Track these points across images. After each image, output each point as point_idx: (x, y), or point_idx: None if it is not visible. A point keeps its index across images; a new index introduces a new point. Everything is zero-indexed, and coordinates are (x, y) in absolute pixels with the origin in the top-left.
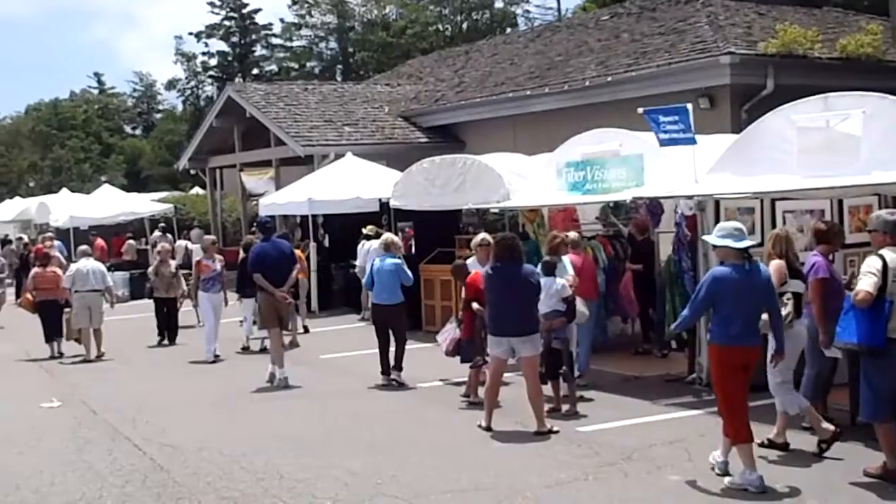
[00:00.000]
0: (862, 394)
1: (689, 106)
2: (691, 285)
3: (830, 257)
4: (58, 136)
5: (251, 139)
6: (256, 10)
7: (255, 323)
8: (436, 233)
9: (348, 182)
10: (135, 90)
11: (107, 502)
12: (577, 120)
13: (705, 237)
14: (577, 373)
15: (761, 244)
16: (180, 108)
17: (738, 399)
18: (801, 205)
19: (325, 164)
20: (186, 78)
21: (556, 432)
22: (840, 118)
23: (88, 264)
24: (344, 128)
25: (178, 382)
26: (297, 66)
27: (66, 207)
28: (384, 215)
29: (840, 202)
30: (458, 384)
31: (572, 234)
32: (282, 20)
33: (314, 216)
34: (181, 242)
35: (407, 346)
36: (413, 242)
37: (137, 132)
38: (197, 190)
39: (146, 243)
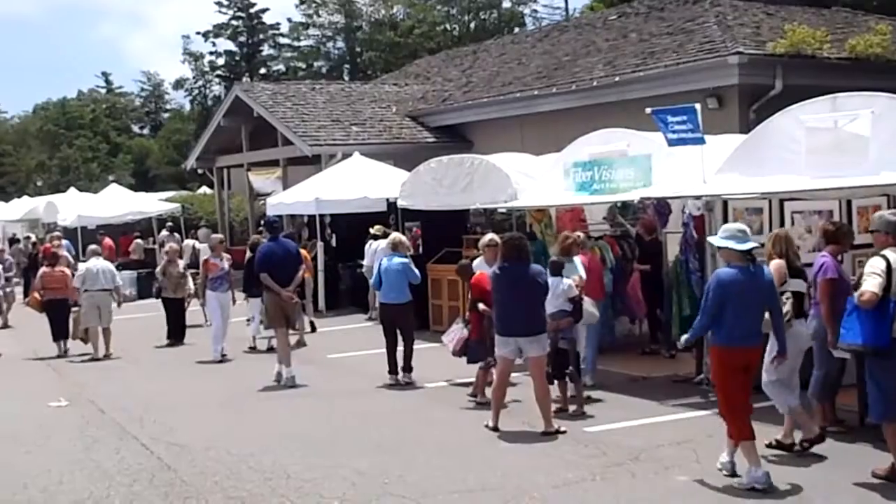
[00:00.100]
0: (870, 395)
1: (698, 106)
2: (699, 286)
3: (839, 258)
4: (66, 135)
5: (258, 139)
6: (264, 10)
7: (261, 322)
8: (443, 233)
9: (356, 182)
10: (142, 90)
11: (114, 501)
12: (584, 120)
13: (710, 238)
14: (585, 374)
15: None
16: (188, 107)
17: (739, 399)
18: (809, 205)
19: (332, 164)
20: (194, 77)
21: (564, 432)
22: (849, 118)
23: (98, 263)
24: (351, 127)
25: (185, 382)
26: (304, 66)
27: (73, 207)
28: (391, 215)
29: (849, 203)
30: (465, 384)
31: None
32: (289, 20)
33: (321, 216)
34: (188, 242)
35: (414, 346)
36: (421, 242)
37: (145, 132)
38: (204, 189)
39: (154, 242)
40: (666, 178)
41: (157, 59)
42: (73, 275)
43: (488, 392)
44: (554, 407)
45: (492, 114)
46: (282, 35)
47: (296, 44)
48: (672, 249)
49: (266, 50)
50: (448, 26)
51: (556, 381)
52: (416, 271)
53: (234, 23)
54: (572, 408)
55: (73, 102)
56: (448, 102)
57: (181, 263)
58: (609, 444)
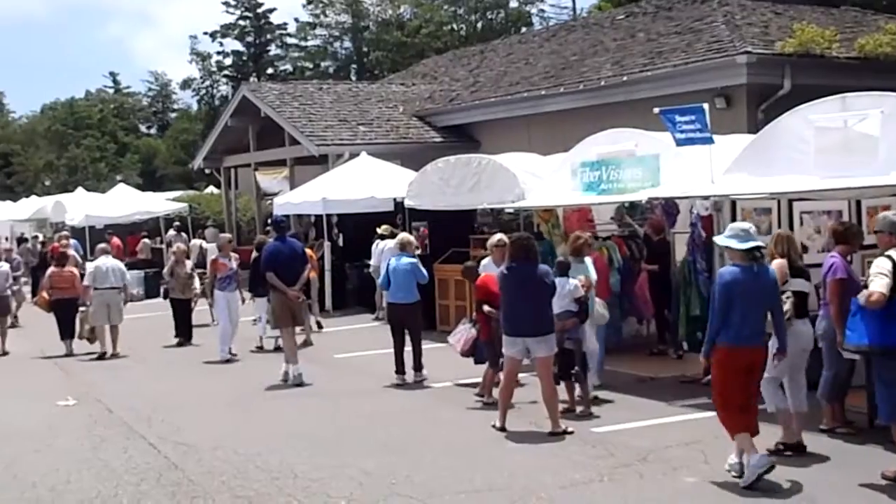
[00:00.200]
0: (878, 395)
1: (706, 106)
2: (706, 287)
3: (849, 258)
4: (73, 135)
5: (266, 138)
6: (271, 10)
7: (268, 322)
8: (450, 232)
9: (363, 181)
10: (150, 89)
11: (122, 500)
12: (592, 120)
13: (714, 238)
14: (592, 375)
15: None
16: (195, 107)
17: (736, 399)
18: (818, 205)
19: (339, 164)
20: (201, 77)
21: (571, 433)
22: (858, 118)
23: (108, 262)
24: (358, 127)
25: (192, 381)
26: (311, 66)
27: (81, 206)
28: (399, 215)
29: (858, 203)
30: (472, 385)
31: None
32: (296, 20)
33: (328, 215)
34: (196, 241)
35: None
36: (428, 242)
37: (152, 131)
38: (212, 189)
39: (161, 242)
40: (674, 178)
41: (164, 59)
42: (82, 275)
43: (495, 392)
44: (561, 407)
45: (499, 113)
46: (289, 35)
47: (303, 44)
48: (680, 250)
49: (273, 50)
50: (455, 26)
51: (562, 382)
52: (424, 271)
53: (242, 23)
54: (579, 408)
55: (80, 102)
56: (455, 102)
57: (188, 264)
58: (617, 444)
